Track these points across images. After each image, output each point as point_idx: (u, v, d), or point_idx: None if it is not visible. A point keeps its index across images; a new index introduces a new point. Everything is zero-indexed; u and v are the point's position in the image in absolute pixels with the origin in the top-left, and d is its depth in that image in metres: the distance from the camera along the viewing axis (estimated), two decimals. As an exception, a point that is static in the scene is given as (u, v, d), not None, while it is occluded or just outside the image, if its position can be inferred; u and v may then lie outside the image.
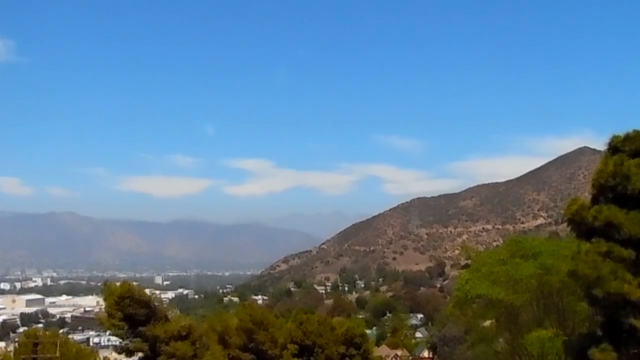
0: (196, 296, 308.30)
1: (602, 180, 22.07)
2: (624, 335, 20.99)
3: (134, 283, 60.18)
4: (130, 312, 52.01)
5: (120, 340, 53.67)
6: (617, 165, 21.54)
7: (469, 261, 39.58)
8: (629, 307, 20.64)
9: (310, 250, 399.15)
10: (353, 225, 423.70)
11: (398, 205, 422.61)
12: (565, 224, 25.36)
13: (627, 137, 22.46)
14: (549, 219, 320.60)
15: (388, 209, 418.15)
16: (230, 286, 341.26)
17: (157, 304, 58.28)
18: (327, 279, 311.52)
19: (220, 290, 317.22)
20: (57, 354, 42.79)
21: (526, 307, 32.37)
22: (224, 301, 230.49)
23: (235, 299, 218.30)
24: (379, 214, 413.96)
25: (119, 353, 53.90)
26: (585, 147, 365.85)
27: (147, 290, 62.57)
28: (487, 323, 36.95)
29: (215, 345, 53.63)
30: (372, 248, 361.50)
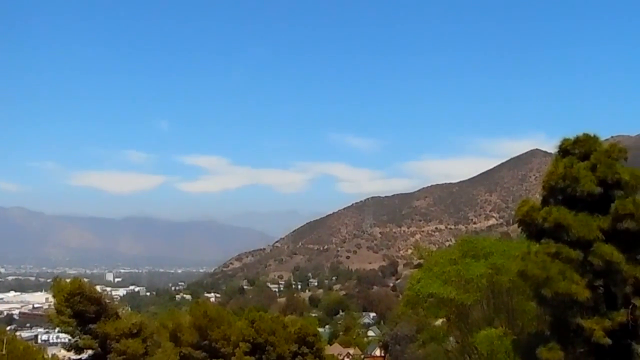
0: (148, 293, 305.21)
1: (552, 182, 22.42)
2: (571, 335, 21.36)
3: (85, 279, 59.40)
4: (81, 309, 51.31)
5: (70, 337, 52.92)
6: (567, 168, 21.90)
7: (421, 261, 39.90)
8: (576, 307, 21.00)
9: (264, 249, 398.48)
10: (307, 223, 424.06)
11: (352, 204, 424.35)
12: (516, 225, 25.70)
13: (577, 140, 22.86)
14: (501, 220, 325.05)
15: (342, 207, 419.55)
16: (182, 284, 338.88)
17: (107, 301, 57.59)
18: (281, 277, 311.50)
19: (173, 288, 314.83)
20: (4, 352, 42.07)
21: (476, 306, 32.76)
22: (176, 299, 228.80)
23: (188, 297, 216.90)
24: (333, 213, 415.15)
25: (68, 350, 53.13)
26: (536, 149, 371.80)
27: (97, 287, 61.78)
28: (439, 322, 37.29)
29: (166, 343, 53.24)
30: (325, 247, 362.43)
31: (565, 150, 22.92)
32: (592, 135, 22.90)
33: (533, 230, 22.62)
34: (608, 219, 20.80)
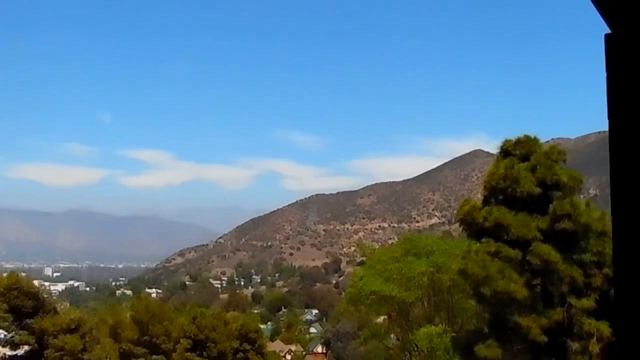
0: (87, 288, 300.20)
1: (493, 182, 22.78)
2: (509, 332, 21.75)
3: (22, 274, 58.33)
4: (17, 303, 50.35)
5: (5, 333, 51.87)
6: (508, 169, 22.28)
7: (364, 258, 40.15)
8: (514, 305, 21.39)
9: (207, 244, 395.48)
10: (251, 219, 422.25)
11: (296, 201, 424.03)
12: (457, 224, 26.02)
13: (518, 142, 23.28)
14: (443, 219, 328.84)
15: (286, 204, 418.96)
16: (123, 279, 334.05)
17: (45, 296, 56.69)
18: (224, 273, 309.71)
19: (113, 283, 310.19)
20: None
21: (417, 304, 33.12)
22: (117, 294, 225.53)
23: (129, 292, 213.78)
24: (277, 209, 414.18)
25: (3, 346, 52.07)
26: (479, 149, 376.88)
27: (35, 282, 60.72)
28: (380, 319, 37.54)
29: (106, 339, 52.53)
30: (269, 243, 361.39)
31: (506, 151, 23.30)
32: (532, 137, 23.34)
33: (474, 229, 22.94)
34: (546, 219, 21.22)
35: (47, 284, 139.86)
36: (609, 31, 2.51)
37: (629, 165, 2.40)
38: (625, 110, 2.43)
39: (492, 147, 24.14)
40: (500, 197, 22.73)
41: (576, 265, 20.79)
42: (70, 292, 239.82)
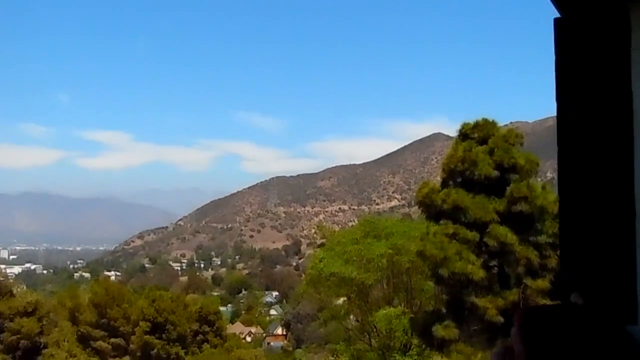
0: (45, 271, 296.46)
1: (452, 165, 23.04)
2: (466, 313, 22.10)
3: (-23, 257, 57.49)
4: (-28, 287, 49.71)
5: (-40, 316, 51.17)
6: (466, 152, 22.54)
7: (324, 240, 40.29)
8: (471, 286, 21.73)
9: (167, 227, 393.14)
10: (211, 202, 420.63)
11: (257, 183, 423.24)
12: (417, 206, 26.28)
13: (477, 125, 23.55)
14: (403, 201, 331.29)
15: (247, 186, 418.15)
16: (81, 261, 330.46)
17: (1, 279, 55.96)
18: (183, 255, 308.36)
19: (71, 266, 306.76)
20: None
21: (377, 286, 33.36)
22: (75, 277, 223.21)
23: (87, 275, 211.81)
24: (238, 192, 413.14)
25: (-42, 330, 51.37)
26: (439, 132, 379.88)
27: (-9, 265, 59.89)
28: (340, 301, 37.73)
29: (64, 322, 52.09)
30: (229, 225, 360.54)
31: (464, 134, 23.57)
32: (490, 120, 23.63)
33: (432, 211, 23.21)
34: (503, 202, 21.55)
35: (3, 266, 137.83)
36: (558, 15, 2.55)
37: (575, 149, 2.46)
38: (572, 94, 2.47)
39: (452, 130, 24.42)
40: (459, 180, 23.01)
41: (532, 246, 21.17)
42: (27, 275, 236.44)
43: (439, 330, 21.97)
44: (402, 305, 31.43)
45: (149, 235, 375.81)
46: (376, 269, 31.52)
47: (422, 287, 30.24)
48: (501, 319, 21.04)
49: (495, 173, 21.74)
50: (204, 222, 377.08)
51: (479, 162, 21.82)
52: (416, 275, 30.11)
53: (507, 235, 20.90)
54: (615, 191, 2.39)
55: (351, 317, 36.57)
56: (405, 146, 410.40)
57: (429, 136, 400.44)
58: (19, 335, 49.46)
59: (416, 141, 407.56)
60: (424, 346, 27.16)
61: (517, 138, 23.08)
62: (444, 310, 23.71)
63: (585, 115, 2.43)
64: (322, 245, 39.31)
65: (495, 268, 22.30)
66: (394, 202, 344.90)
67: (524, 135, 24.03)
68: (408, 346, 29.75)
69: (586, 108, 2.43)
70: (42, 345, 50.06)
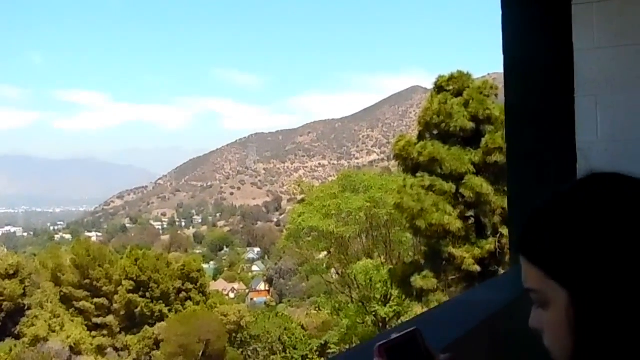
0: (25, 234, 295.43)
1: (428, 117, 23.21)
2: (444, 263, 22.49)
3: (-44, 221, 57.21)
4: (-48, 251, 49.62)
5: (-59, 280, 51.15)
6: (442, 104, 22.70)
7: (304, 196, 40.53)
8: (448, 236, 22.09)
9: (147, 186, 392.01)
10: (190, 160, 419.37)
11: (236, 140, 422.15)
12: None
13: (452, 77, 23.68)
14: (382, 155, 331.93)
15: (226, 144, 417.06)
16: (62, 223, 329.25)
17: (-19, 242, 55.81)
18: (164, 214, 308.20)
19: (52, 228, 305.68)
20: None
21: (356, 239, 33.75)
22: (56, 239, 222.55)
23: (68, 236, 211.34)
24: (217, 149, 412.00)
25: (-60, 294, 51.38)
26: (417, 86, 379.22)
27: (-30, 229, 59.70)
28: (321, 255, 38.15)
29: (46, 283, 52.25)
30: (209, 183, 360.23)
31: (440, 87, 23.71)
32: (465, 72, 23.75)
33: (409, 164, 23.42)
34: (479, 153, 21.80)
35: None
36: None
37: (521, 98, 2.61)
38: (518, 46, 2.62)
39: (430, 83, 24.54)
40: (435, 132, 23.22)
41: (507, 196, 21.47)
42: (7, 238, 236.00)
43: (417, 281, 22.36)
44: (382, 257, 31.87)
45: (129, 195, 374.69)
46: (355, 222, 31.86)
47: (401, 239, 30.64)
48: (478, 268, 21.48)
49: (471, 125, 21.95)
50: (183, 181, 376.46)
51: (454, 114, 22.00)
52: (394, 228, 30.48)
53: (482, 186, 21.19)
54: (557, 138, 2.55)
55: (332, 270, 37.01)
56: (384, 100, 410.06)
57: (407, 89, 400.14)
58: (1, 298, 49.60)
59: (394, 95, 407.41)
60: (403, 297, 27.64)
61: (492, 89, 23.25)
62: (422, 261, 24.09)
63: (529, 67, 2.58)
64: (302, 201, 39.56)
65: (472, 218, 22.64)
66: (374, 156, 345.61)
67: (498, 87, 24.18)
68: (388, 297, 30.25)
69: (530, 60, 2.57)
70: (26, 307, 50.26)
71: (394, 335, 1.26)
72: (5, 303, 49.65)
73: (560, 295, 1.12)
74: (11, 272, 50.90)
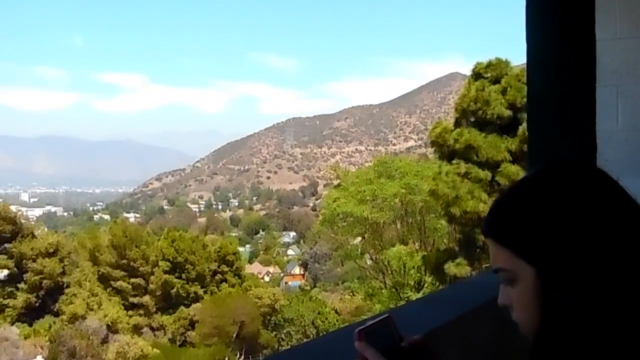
0: (65, 214, 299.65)
1: (465, 104, 23.12)
2: (478, 251, 22.44)
3: (-1, 199, 58.37)
4: (-5, 228, 50.69)
5: (-16, 257, 52.29)
6: (479, 91, 22.59)
7: (340, 181, 40.61)
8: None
9: (184, 169, 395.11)
10: (228, 143, 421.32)
11: (273, 124, 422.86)
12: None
13: (489, 65, 23.52)
14: (420, 142, 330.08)
15: (263, 128, 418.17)
16: (101, 203, 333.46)
17: (23, 221, 56.92)
18: (201, 197, 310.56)
19: (91, 208, 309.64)
20: None
21: (391, 225, 33.76)
22: (94, 219, 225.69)
23: (107, 217, 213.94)
24: (254, 133, 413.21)
25: (-17, 270, 52.58)
26: (456, 72, 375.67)
27: (12, 207, 60.82)
28: (356, 241, 38.24)
29: (84, 262, 53.13)
30: (246, 167, 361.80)
31: (477, 74, 23.56)
32: (503, 59, 23.56)
33: (445, 151, 23.38)
34: (516, 141, 21.65)
35: (24, 209, 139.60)
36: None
37: (544, 87, 2.66)
38: (541, 37, 2.67)
39: (469, 70, 24.40)
40: (472, 120, 23.12)
41: (543, 185, 21.33)
42: (47, 217, 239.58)
43: (451, 268, 22.38)
44: (416, 244, 31.87)
45: (167, 177, 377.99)
46: (389, 208, 31.87)
47: (435, 226, 30.59)
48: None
49: (508, 112, 21.81)
50: (221, 164, 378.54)
51: (491, 102, 21.88)
52: (429, 215, 30.45)
53: (519, 174, 21.03)
54: (579, 126, 2.61)
55: (366, 256, 37.09)
56: (422, 86, 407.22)
57: (446, 76, 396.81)
58: (41, 276, 50.59)
59: (433, 81, 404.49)
60: (436, 283, 27.63)
61: (531, 77, 23.04)
62: (456, 249, 24.08)
63: (552, 57, 2.63)
64: (337, 186, 39.64)
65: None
66: (411, 143, 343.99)
67: (537, 74, 23.94)
68: (421, 284, 30.25)
69: (553, 50, 2.63)
70: (65, 284, 51.21)
71: (369, 322, 1.41)
72: (45, 281, 50.65)
73: (528, 272, 1.22)
74: (51, 250, 51.87)
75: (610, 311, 1.16)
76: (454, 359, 2.29)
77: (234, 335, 48.74)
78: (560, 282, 1.19)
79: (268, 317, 52.19)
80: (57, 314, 49.79)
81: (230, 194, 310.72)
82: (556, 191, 1.23)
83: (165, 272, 53.26)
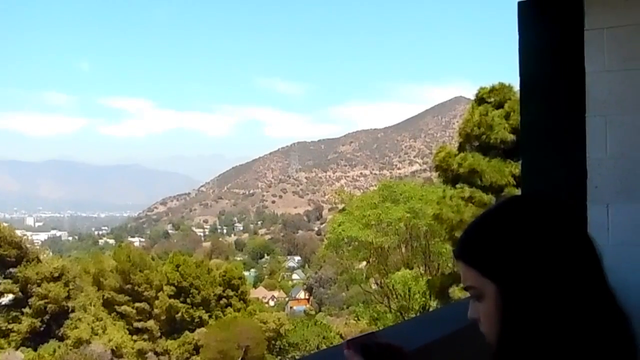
0: (70, 238, 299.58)
1: (468, 129, 23.27)
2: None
3: (4, 224, 58.51)
4: (0, 253, 50.72)
5: (-11, 281, 52.36)
6: (482, 116, 22.74)
7: (344, 205, 40.70)
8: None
9: (189, 193, 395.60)
10: (233, 168, 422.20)
11: (278, 149, 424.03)
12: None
13: (493, 89, 23.70)
14: (424, 166, 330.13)
15: (268, 152, 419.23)
16: (106, 228, 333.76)
17: (28, 245, 56.96)
18: (206, 221, 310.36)
19: (96, 232, 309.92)
20: None
21: (396, 250, 33.81)
22: (99, 243, 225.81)
23: (111, 241, 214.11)
24: (259, 157, 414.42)
25: (-13, 295, 52.60)
26: (461, 96, 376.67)
27: (17, 232, 60.91)
28: (361, 265, 38.25)
29: (89, 287, 53.15)
30: (251, 191, 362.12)
31: (481, 98, 23.74)
32: (507, 84, 23.73)
33: (449, 175, 23.49)
34: (519, 165, 21.74)
35: (29, 233, 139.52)
36: (522, -1, 2.87)
37: (536, 116, 2.80)
38: (534, 70, 2.81)
39: (474, 94, 24.63)
40: (475, 144, 23.24)
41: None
42: (52, 242, 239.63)
43: (456, 292, 22.37)
44: (421, 268, 31.89)
45: (172, 201, 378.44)
46: (394, 232, 31.94)
47: (440, 250, 30.63)
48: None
49: (511, 137, 21.92)
50: (225, 188, 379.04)
51: (495, 126, 22.02)
52: (434, 239, 30.50)
53: (522, 198, 21.17)
54: (569, 154, 2.74)
55: (371, 280, 37.09)
56: (427, 110, 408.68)
57: (451, 100, 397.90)
58: (46, 300, 50.58)
59: (437, 105, 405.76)
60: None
61: (534, 102, 23.20)
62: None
63: (544, 88, 2.77)
64: (342, 210, 39.72)
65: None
66: (416, 167, 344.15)
67: (540, 99, 24.10)
68: (426, 308, 30.24)
69: (544, 81, 2.76)
70: (70, 309, 51.18)
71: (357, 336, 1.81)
72: (50, 305, 50.61)
73: (491, 289, 1.46)
74: (56, 275, 51.90)
75: (557, 322, 1.37)
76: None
77: (239, 359, 48.62)
78: (516, 297, 1.41)
79: (273, 342, 52.05)
80: (61, 339, 49.73)
81: (235, 218, 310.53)
82: (516, 220, 1.48)
83: (170, 296, 53.21)
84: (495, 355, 1.45)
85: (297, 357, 45.64)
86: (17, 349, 48.50)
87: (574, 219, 1.53)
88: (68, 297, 51.93)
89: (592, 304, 1.40)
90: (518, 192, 21.26)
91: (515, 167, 21.74)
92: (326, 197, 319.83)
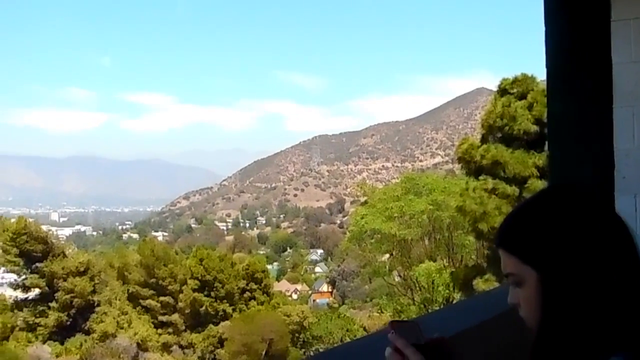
0: (94, 233, 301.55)
1: (491, 120, 23.17)
2: (506, 267, 22.39)
3: (30, 219, 59.09)
4: (27, 248, 51.31)
5: (17, 276, 52.98)
6: (505, 107, 22.63)
7: (366, 198, 40.68)
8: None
9: (212, 187, 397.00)
10: (254, 162, 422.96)
11: (300, 142, 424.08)
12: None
13: (515, 80, 23.56)
14: (447, 158, 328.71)
15: (290, 146, 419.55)
16: (129, 223, 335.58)
17: (54, 240, 57.57)
18: (229, 215, 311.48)
19: (120, 227, 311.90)
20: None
21: (419, 242, 33.77)
22: (123, 238, 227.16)
23: (135, 236, 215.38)
24: (281, 151, 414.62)
25: (15, 289, 53.24)
26: (482, 87, 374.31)
27: (43, 227, 61.53)
28: (384, 257, 38.22)
29: (114, 281, 53.63)
30: (273, 185, 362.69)
31: (504, 89, 23.61)
32: (529, 75, 23.59)
33: (472, 167, 23.41)
34: (543, 156, 21.63)
35: (54, 228, 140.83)
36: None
37: (563, 109, 2.81)
38: (560, 61, 2.82)
39: (496, 85, 24.50)
40: (498, 135, 23.14)
41: (571, 200, 21.26)
42: (77, 237, 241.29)
43: (479, 284, 22.35)
44: (444, 260, 31.83)
45: (194, 195, 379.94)
46: (417, 225, 31.90)
47: (463, 242, 30.57)
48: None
49: (535, 128, 21.81)
50: (247, 182, 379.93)
51: (518, 117, 21.91)
52: (457, 231, 30.44)
53: (546, 190, 21.05)
54: (597, 145, 2.75)
55: (394, 273, 37.06)
56: (448, 102, 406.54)
57: (472, 91, 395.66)
58: (72, 294, 51.11)
59: (459, 96, 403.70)
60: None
61: (557, 92, 23.04)
62: (484, 265, 24.04)
63: (571, 79, 2.78)
64: (364, 203, 39.71)
65: (535, 222, 22.46)
66: (438, 159, 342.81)
67: (563, 89, 23.91)
68: (450, 300, 30.19)
69: (571, 73, 2.77)
70: (95, 303, 51.69)
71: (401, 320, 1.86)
72: (76, 299, 51.15)
73: (532, 276, 1.53)
74: (81, 269, 52.43)
75: (597, 307, 1.44)
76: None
77: (263, 352, 48.80)
78: (557, 284, 1.49)
79: (297, 335, 52.18)
80: (88, 333, 50.24)
81: (258, 212, 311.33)
82: (555, 209, 1.55)
83: (194, 290, 53.51)
84: (537, 339, 1.52)
85: (344, 342, 45.65)
86: (44, 342, 49.12)
87: (610, 207, 1.62)
88: (94, 292, 52.45)
89: (630, 288, 1.46)
90: (541, 183, 21.16)
91: (539, 158, 21.64)
92: (348, 190, 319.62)
